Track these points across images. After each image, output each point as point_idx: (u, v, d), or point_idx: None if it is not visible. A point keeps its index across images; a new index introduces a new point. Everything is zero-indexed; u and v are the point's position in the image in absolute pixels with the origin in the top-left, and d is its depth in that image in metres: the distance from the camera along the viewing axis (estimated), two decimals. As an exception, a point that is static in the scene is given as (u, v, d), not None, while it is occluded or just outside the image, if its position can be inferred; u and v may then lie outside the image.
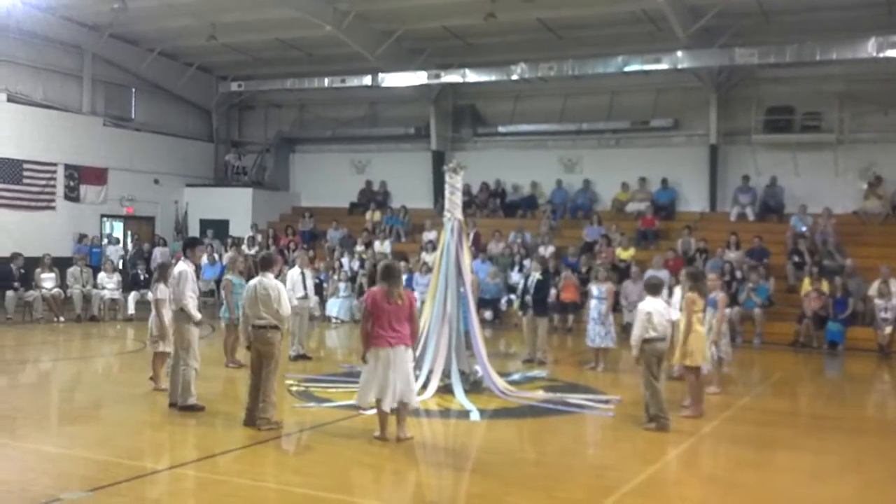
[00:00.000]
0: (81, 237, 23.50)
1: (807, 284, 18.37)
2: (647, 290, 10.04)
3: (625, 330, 16.54)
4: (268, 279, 9.44)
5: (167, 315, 10.75)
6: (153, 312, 11.24)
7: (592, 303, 14.25)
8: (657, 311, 9.63)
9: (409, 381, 8.81)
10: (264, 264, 9.70)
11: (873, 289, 17.75)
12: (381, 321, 8.66)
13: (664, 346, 9.68)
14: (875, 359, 16.78)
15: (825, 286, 18.18)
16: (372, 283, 16.63)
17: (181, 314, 10.13)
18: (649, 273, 16.03)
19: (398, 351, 8.69)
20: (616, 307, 17.40)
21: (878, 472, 8.40)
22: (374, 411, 9.09)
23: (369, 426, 9.16)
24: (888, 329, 17.14)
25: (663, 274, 18.75)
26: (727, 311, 12.63)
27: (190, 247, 10.89)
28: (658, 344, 9.61)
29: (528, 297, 14.65)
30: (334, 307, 21.11)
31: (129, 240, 25.57)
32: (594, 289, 14.32)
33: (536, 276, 14.77)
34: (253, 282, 9.58)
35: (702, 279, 10.78)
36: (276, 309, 9.23)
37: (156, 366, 11.32)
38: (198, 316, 10.19)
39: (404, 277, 15.92)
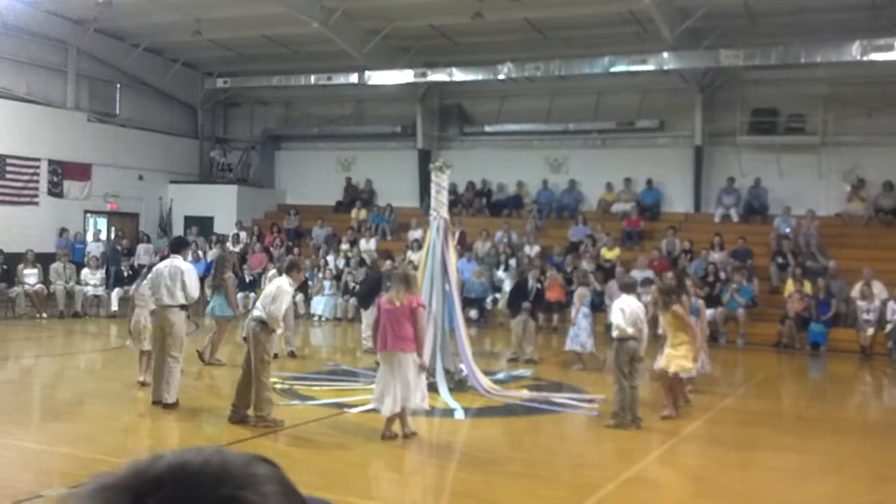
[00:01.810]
0: (62, 232, 23.34)
1: (790, 285, 18.47)
2: (622, 289, 10.25)
3: (608, 330, 16.59)
4: (279, 279, 9.70)
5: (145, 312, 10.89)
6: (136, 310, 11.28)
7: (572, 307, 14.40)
8: (631, 310, 9.72)
9: (407, 385, 8.77)
10: (288, 267, 9.96)
11: (856, 290, 17.86)
12: (382, 324, 8.85)
13: (636, 345, 9.73)
14: (857, 360, 16.89)
15: (808, 287, 18.29)
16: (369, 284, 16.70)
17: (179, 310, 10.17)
18: (633, 273, 16.14)
19: (395, 354, 8.72)
20: (601, 307, 17.46)
21: (861, 472, 8.45)
22: (359, 409, 9.09)
23: (353, 424, 9.15)
24: (870, 330, 17.25)
25: (647, 274, 18.88)
26: (710, 311, 12.74)
27: (182, 247, 10.89)
28: (630, 343, 9.68)
29: (527, 304, 14.75)
30: (319, 305, 21.08)
31: (109, 236, 25.29)
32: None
33: (535, 283, 14.97)
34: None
35: (675, 291, 10.79)
36: (267, 306, 9.31)
37: (141, 361, 11.31)
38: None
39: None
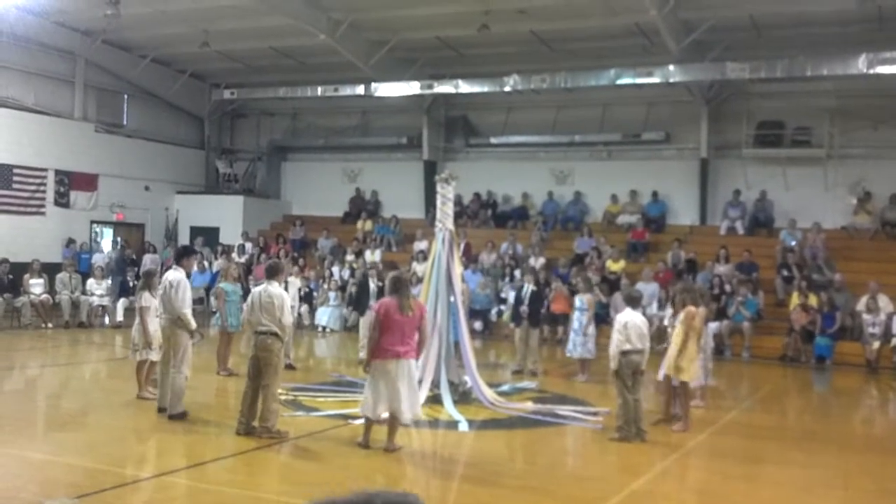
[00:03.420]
0: (69, 242, 23.40)
1: (795, 299, 18.43)
2: (627, 303, 10.15)
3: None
4: (273, 287, 9.44)
5: (152, 323, 10.78)
6: (137, 320, 11.21)
7: (575, 314, 14.33)
8: (634, 324, 9.67)
9: (415, 391, 8.75)
10: (270, 272, 9.68)
11: (861, 304, 17.80)
12: (392, 333, 8.61)
13: (640, 358, 9.69)
14: (863, 374, 16.83)
15: (813, 300, 18.24)
16: (360, 295, 16.68)
17: (177, 321, 10.11)
18: (638, 286, 16.10)
19: (408, 363, 8.67)
20: (606, 318, 17.44)
21: (866, 486, 8.42)
22: (363, 421, 9.07)
23: (357, 436, 9.13)
24: (876, 344, 17.19)
25: (652, 287, 18.88)
26: (715, 324, 12.69)
27: (185, 255, 10.88)
28: (634, 356, 9.63)
29: (524, 308, 14.71)
30: (324, 316, 21.07)
31: (112, 246, 25.27)
32: (577, 300, 14.40)
33: (531, 287, 14.87)
34: (258, 289, 9.62)
35: (695, 293, 10.83)
36: (279, 317, 9.23)
37: (139, 374, 11.25)
38: (194, 325, 10.19)
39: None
